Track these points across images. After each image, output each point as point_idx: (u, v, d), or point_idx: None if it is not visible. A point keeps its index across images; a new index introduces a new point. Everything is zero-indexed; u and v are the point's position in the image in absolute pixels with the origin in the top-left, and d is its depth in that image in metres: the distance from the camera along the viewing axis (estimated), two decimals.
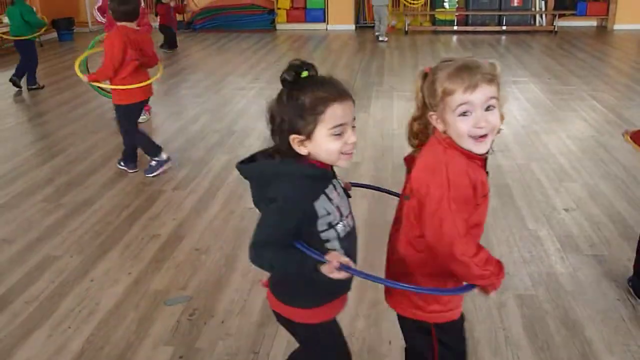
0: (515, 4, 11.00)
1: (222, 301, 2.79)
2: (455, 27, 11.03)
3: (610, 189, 3.98)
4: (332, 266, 1.47)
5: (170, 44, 9.36)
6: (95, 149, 4.93)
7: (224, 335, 2.54)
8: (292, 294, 1.69)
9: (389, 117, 5.70)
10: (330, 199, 1.57)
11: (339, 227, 1.60)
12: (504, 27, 10.93)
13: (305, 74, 1.49)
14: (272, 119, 1.53)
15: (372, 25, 11.52)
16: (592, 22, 11.35)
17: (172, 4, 9.50)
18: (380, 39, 10.10)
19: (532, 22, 11.20)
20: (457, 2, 11.11)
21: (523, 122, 5.44)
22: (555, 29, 10.61)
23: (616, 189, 3.98)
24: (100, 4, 6.54)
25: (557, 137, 5.04)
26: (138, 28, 4.23)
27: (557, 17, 10.70)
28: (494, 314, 2.66)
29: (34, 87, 7.03)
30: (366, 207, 3.75)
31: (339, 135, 1.50)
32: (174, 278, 2.99)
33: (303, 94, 1.48)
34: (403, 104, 6.12)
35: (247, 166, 1.61)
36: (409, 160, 1.76)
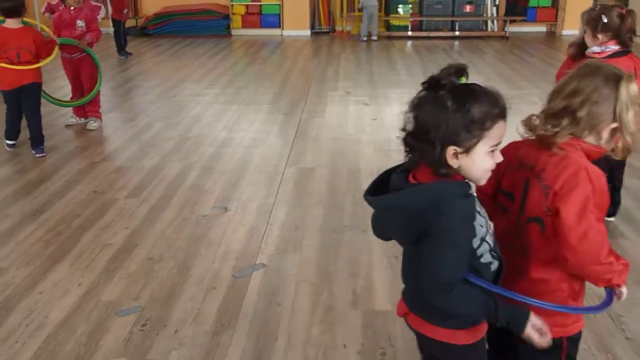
0: (468, 10, 11.20)
1: (176, 310, 2.75)
2: (410, 33, 11.16)
3: None
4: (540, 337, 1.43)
5: (119, 46, 9.15)
6: (43, 158, 4.81)
7: (177, 345, 2.51)
8: (447, 315, 1.49)
9: (344, 122, 5.73)
10: (479, 213, 1.46)
11: (489, 238, 1.48)
12: (457, 33, 11.11)
13: (463, 79, 1.39)
14: (423, 125, 1.37)
15: (328, 31, 11.57)
16: (542, 28, 11.63)
17: None
18: (373, 38, 10.55)
19: (484, 27, 11.41)
20: (411, 8, 11.25)
21: None
22: (507, 34, 10.83)
23: None
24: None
25: (507, 140, 5.13)
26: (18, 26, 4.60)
27: (508, 22, 10.92)
28: None
29: None
30: (322, 213, 3.75)
31: (493, 153, 1.41)
32: (126, 288, 2.93)
33: (472, 105, 1.35)
34: (358, 109, 6.15)
35: (392, 197, 1.43)
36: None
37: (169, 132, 5.43)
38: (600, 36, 3.14)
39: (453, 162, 1.37)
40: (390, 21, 11.34)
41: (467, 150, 1.37)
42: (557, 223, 1.49)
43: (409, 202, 1.40)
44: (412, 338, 2.51)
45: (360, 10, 10.84)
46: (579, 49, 3.32)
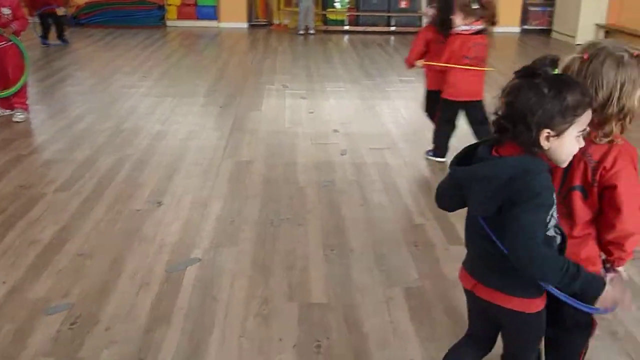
0: (403, 6, 11.34)
1: (108, 307, 2.68)
2: (347, 27, 11.22)
3: None
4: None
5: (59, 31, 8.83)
6: None
7: (108, 342, 2.44)
8: (523, 285, 1.65)
9: (281, 115, 5.71)
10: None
11: (555, 213, 1.62)
12: (393, 28, 11.24)
13: (556, 70, 1.54)
14: (521, 109, 1.52)
15: (265, 23, 11.50)
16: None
17: None
18: (311, 31, 10.61)
19: (419, 23, 11.58)
20: (348, 2, 11.30)
21: (410, 120, 5.62)
22: None
23: None
24: None
25: None
26: None
27: None
28: (381, 308, 2.72)
29: None
30: (258, 206, 3.74)
31: (578, 138, 1.57)
32: (55, 285, 2.84)
33: (568, 93, 1.51)
34: (295, 102, 6.15)
35: (485, 166, 1.58)
36: None
37: (102, 125, 5.28)
38: (469, 18, 4.10)
39: (545, 143, 1.53)
40: (328, 15, 11.37)
41: (559, 134, 1.53)
42: (614, 196, 1.71)
43: (499, 171, 1.54)
44: (347, 330, 2.55)
45: (297, 4, 10.84)
46: (442, 26, 4.31)
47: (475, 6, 4.07)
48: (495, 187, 1.55)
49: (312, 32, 10.74)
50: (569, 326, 1.95)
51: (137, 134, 5.05)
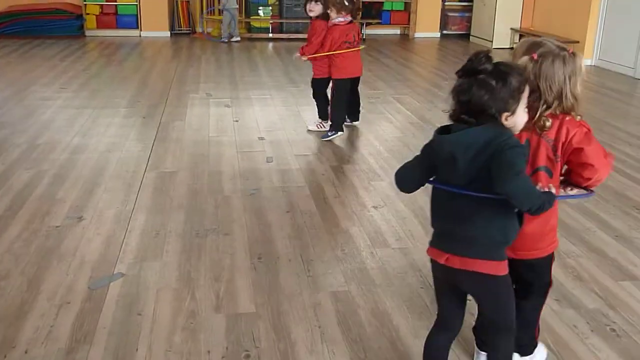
0: None
1: (25, 329, 2.57)
2: (270, 35, 11.23)
3: None
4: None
5: None
6: None
7: None
8: (491, 249, 1.89)
9: (205, 124, 5.65)
10: None
11: None
12: None
13: (494, 61, 1.80)
14: (479, 104, 1.77)
15: (188, 32, 11.36)
16: (396, 31, 12.16)
17: None
18: (235, 39, 10.65)
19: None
20: (271, 10, 11.32)
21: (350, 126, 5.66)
22: (364, 37, 11.21)
23: None
24: None
25: (366, 139, 5.33)
26: None
27: (364, 25, 11.31)
28: (309, 314, 2.73)
29: None
30: (183, 218, 3.68)
31: (525, 108, 1.87)
32: None
33: (511, 77, 1.79)
34: (219, 111, 6.10)
35: (466, 132, 1.80)
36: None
37: (16, 139, 5.07)
38: (343, 12, 5.12)
39: (505, 122, 1.82)
40: (251, 23, 11.35)
41: (513, 112, 1.81)
42: (582, 157, 2.01)
43: (478, 135, 1.78)
44: (276, 337, 2.54)
45: (221, 12, 10.77)
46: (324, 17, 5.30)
47: (347, 3, 5.09)
48: (475, 151, 1.78)
49: (236, 39, 10.69)
50: (532, 289, 2.27)
51: (54, 147, 4.88)
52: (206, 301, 2.81)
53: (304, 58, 5.38)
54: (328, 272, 3.09)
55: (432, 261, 2.01)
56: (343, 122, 5.38)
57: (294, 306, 2.79)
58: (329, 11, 5.18)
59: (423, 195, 4.06)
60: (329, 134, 5.28)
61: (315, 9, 5.37)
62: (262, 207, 3.87)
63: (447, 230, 1.94)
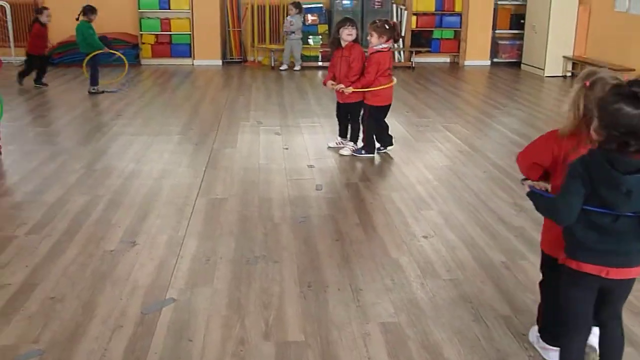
0: None
1: (79, 352, 2.63)
2: (320, 63, 11.35)
3: (464, 215, 4.23)
4: None
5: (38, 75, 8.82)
6: None
7: None
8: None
9: (256, 152, 5.72)
10: None
11: None
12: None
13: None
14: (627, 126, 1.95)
15: (239, 60, 11.58)
16: (446, 59, 12.13)
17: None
18: (296, 68, 10.79)
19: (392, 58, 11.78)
20: (321, 39, 11.45)
21: (389, 153, 5.66)
22: (413, 65, 11.22)
23: (469, 214, 4.23)
24: None
25: (415, 167, 5.30)
26: None
27: (414, 53, 11.32)
28: (359, 344, 2.71)
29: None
30: (233, 244, 3.72)
31: None
32: (25, 331, 2.78)
33: None
34: (269, 139, 6.17)
35: None
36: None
37: (74, 165, 5.24)
38: (383, 37, 5.20)
39: None
40: (302, 52, 11.49)
41: None
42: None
43: None
44: None
45: (284, 40, 11.01)
46: (336, 43, 5.53)
47: (387, 27, 5.19)
48: None
49: (297, 68, 10.84)
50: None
51: (110, 173, 5.02)
52: (256, 329, 2.82)
53: (349, 90, 5.40)
54: (377, 301, 3.07)
55: (586, 275, 2.17)
56: (374, 146, 5.57)
57: (343, 336, 2.77)
58: (368, 37, 5.30)
59: (474, 224, 4.03)
60: (363, 151, 5.51)
61: (354, 33, 5.43)
62: (312, 235, 3.88)
63: (608, 248, 2.12)
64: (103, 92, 8.49)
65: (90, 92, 8.46)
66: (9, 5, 10.74)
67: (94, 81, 8.53)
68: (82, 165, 5.24)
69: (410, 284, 3.26)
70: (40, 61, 8.90)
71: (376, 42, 5.26)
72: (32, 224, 3.98)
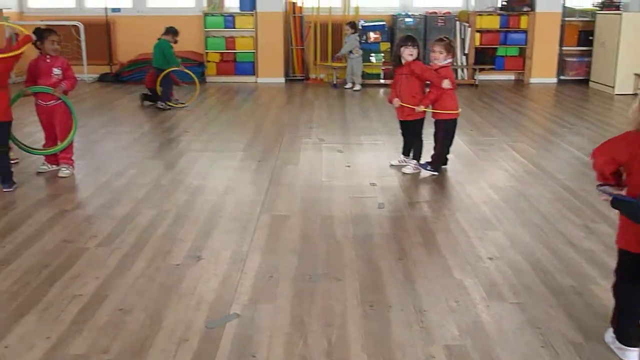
0: None
1: None
2: (382, 80, 11.35)
3: (531, 236, 4.12)
4: None
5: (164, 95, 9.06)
6: (13, 205, 4.74)
7: None
8: None
9: (318, 169, 5.75)
10: None
11: None
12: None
13: None
14: None
15: (302, 78, 11.71)
16: (510, 76, 11.93)
17: None
18: (356, 89, 10.71)
19: (455, 76, 11.67)
20: (383, 56, 11.47)
21: (447, 172, 5.60)
22: (476, 82, 11.08)
23: (536, 236, 4.12)
24: None
25: (479, 187, 5.21)
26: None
27: (477, 71, 11.19)
28: None
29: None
30: (295, 261, 3.73)
31: None
32: (96, 341, 2.86)
33: None
34: (331, 156, 6.19)
35: None
36: None
37: (142, 180, 5.39)
38: (450, 54, 5.49)
39: None
40: (364, 69, 11.53)
41: None
42: None
43: None
44: None
45: (341, 59, 11.07)
46: (397, 61, 5.64)
47: (452, 45, 5.53)
48: None
49: (357, 88, 10.77)
50: None
51: (176, 188, 5.14)
52: (318, 347, 2.82)
53: (421, 109, 5.44)
54: (442, 323, 3.02)
55: None
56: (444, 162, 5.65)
57: (406, 357, 2.73)
58: (434, 54, 5.47)
59: (541, 247, 3.92)
60: (428, 166, 5.54)
61: (414, 53, 5.48)
62: (374, 253, 3.86)
63: None
64: (170, 108, 8.74)
65: (158, 107, 8.73)
66: (82, 25, 11.21)
67: (164, 97, 8.82)
68: (150, 180, 5.38)
69: (475, 306, 3.20)
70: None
71: (443, 58, 5.43)
72: (103, 237, 4.11)
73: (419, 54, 5.51)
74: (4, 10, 11.13)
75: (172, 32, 9.07)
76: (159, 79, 8.76)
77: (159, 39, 8.95)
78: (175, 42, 9.06)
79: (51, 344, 2.83)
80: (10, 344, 2.84)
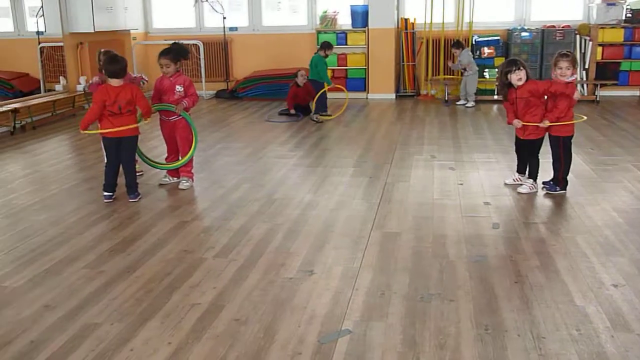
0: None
1: None
2: (496, 97, 11.06)
3: None
4: None
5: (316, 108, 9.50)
6: (137, 215, 5.02)
7: None
8: None
9: (429, 187, 5.68)
10: None
11: None
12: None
13: None
14: None
15: (413, 94, 11.65)
16: (635, 92, 11.26)
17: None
18: (469, 105, 10.55)
19: None
20: (497, 72, 11.19)
21: (567, 193, 5.35)
22: (597, 99, 10.56)
23: None
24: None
25: (602, 209, 4.94)
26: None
27: (598, 87, 10.66)
28: None
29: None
30: (407, 280, 3.70)
31: None
32: (213, 349, 2.96)
33: None
34: (444, 174, 6.10)
35: None
36: None
37: (256, 194, 5.55)
38: (576, 70, 5.37)
39: None
40: (477, 85, 11.30)
41: None
42: None
43: None
44: None
45: (462, 74, 10.90)
46: (506, 89, 5.60)
47: (576, 60, 5.34)
48: None
49: (470, 105, 10.58)
50: None
51: (288, 203, 5.25)
52: None
53: (546, 124, 5.30)
54: (562, 352, 2.88)
55: None
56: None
57: None
58: (560, 69, 5.26)
59: None
60: (557, 188, 5.38)
61: (523, 76, 5.36)
62: (488, 275, 3.75)
63: None
64: (322, 121, 9.20)
65: (312, 119, 9.25)
66: (202, 44, 11.77)
67: (317, 110, 9.30)
68: (263, 194, 5.53)
69: (598, 335, 3.02)
70: (303, 109, 9.73)
71: (571, 74, 5.26)
72: (220, 248, 4.26)
73: (528, 74, 5.37)
74: (132, 31, 11.91)
75: (324, 46, 9.52)
76: (316, 96, 9.21)
77: (315, 53, 9.51)
78: (326, 55, 9.48)
79: (172, 350, 2.96)
80: (135, 347, 3.00)
